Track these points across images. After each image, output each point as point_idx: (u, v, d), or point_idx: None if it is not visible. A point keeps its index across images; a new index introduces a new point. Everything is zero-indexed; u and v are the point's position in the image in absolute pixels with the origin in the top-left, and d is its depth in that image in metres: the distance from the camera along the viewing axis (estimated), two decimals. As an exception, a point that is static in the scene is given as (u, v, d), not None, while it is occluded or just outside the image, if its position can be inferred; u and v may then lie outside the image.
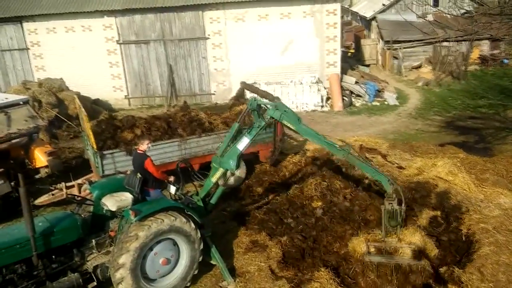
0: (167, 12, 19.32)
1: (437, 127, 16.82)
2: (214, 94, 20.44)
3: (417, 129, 16.57)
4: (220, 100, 19.97)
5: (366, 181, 10.15)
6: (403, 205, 7.06)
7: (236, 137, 7.99)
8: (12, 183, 10.06)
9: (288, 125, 7.69)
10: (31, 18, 19.44)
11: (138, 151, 7.97)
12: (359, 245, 7.84)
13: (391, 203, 7.05)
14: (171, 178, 8.01)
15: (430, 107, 19.32)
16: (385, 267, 7.28)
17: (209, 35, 19.69)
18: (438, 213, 8.85)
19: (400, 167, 11.11)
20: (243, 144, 7.83)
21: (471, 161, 11.65)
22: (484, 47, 25.86)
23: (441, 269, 7.49)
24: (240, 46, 19.73)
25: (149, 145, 8.15)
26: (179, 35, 19.71)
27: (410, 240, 7.54)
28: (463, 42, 24.26)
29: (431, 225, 8.60)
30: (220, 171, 7.95)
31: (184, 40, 19.77)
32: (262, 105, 7.99)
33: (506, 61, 24.55)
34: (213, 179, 8.05)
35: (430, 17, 21.47)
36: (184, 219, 7.12)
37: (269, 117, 7.73)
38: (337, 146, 7.58)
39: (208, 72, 20.23)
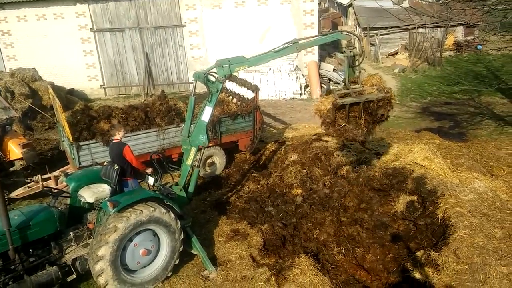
0: (142, -1, 18.93)
1: (413, 113, 17.06)
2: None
3: (394, 116, 16.70)
4: (198, 88, 19.64)
5: (345, 168, 10.26)
6: (362, 43, 7.55)
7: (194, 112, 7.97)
8: (-14, 177, 9.81)
9: (241, 69, 7.86)
10: (1, 6, 18.77)
11: (114, 141, 7.88)
12: (322, 103, 8.26)
13: (351, 51, 7.97)
14: (149, 170, 7.93)
15: (407, 94, 19.56)
16: (353, 112, 7.88)
17: (185, 22, 19.40)
18: (415, 198, 9.00)
19: (378, 153, 11.25)
20: (207, 114, 7.74)
21: (447, 146, 11.89)
22: (459, 33, 26.29)
23: (417, 252, 7.66)
24: (217, 34, 19.50)
25: (124, 132, 8.06)
26: (155, 23, 19.36)
27: (371, 83, 8.13)
28: (438, 29, 24.55)
29: (408, 209, 8.76)
30: (193, 150, 7.88)
31: (160, 28, 19.44)
32: (209, 72, 7.88)
33: (480, 47, 24.98)
34: (188, 162, 7.97)
35: (406, 4, 21.66)
36: (163, 210, 7.07)
37: (223, 77, 7.62)
38: (286, 46, 7.92)
39: (186, 60, 19.97)
